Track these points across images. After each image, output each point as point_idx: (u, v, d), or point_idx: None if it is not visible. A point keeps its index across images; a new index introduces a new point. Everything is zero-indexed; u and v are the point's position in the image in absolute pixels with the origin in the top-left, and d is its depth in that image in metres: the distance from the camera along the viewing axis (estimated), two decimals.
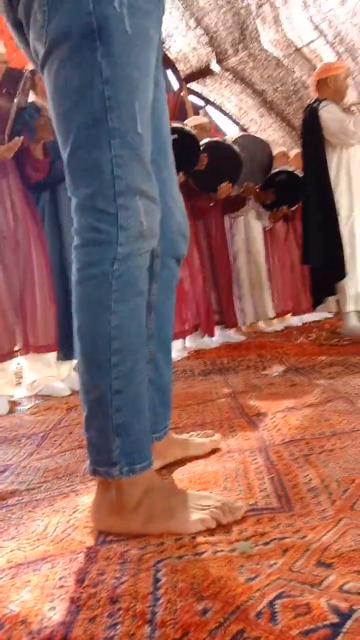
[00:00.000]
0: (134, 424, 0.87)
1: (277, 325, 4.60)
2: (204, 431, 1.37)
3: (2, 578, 0.78)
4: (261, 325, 4.55)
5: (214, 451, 1.27)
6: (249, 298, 4.24)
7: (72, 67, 0.78)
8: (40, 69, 0.86)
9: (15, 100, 2.20)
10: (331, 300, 3.35)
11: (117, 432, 0.85)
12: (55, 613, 0.66)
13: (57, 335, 2.55)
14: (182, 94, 6.44)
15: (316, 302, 3.43)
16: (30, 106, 2.46)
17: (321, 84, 3.29)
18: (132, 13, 0.78)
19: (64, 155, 0.86)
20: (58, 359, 2.62)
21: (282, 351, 3.02)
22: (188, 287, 3.54)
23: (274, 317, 4.50)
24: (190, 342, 3.68)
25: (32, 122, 2.41)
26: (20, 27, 0.85)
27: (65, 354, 2.64)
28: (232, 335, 4.06)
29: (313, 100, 3.33)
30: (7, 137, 2.27)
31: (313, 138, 3.22)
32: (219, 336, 3.90)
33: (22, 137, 2.32)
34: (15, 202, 2.45)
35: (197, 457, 1.23)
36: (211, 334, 3.77)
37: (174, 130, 3.19)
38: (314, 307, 3.52)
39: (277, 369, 2.43)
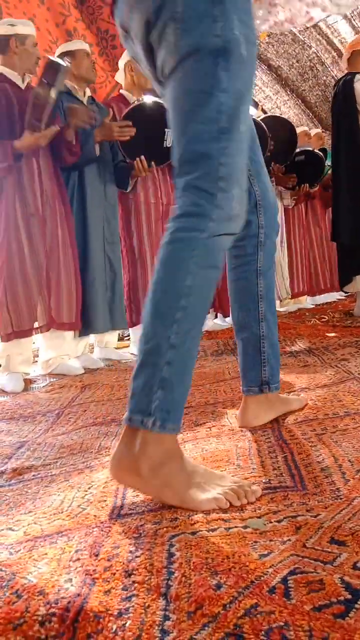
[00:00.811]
0: (177, 383, 0.92)
1: (291, 306, 4.58)
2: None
3: (19, 550, 0.79)
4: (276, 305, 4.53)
5: (231, 429, 1.28)
6: None
7: (196, 76, 0.96)
8: (166, 79, 1.02)
9: (54, 93, 2.22)
10: (359, 279, 3.30)
11: (161, 385, 0.91)
12: (71, 585, 0.67)
13: (79, 313, 2.60)
14: None
15: (344, 281, 3.38)
16: (64, 90, 2.50)
17: (355, 55, 3.22)
18: (247, 41, 0.97)
19: (179, 147, 0.99)
20: (76, 335, 2.66)
21: (295, 332, 3.01)
22: None
23: (291, 298, 4.48)
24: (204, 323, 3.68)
25: (64, 107, 2.48)
26: (150, 50, 1.02)
27: (81, 330, 2.70)
28: None
29: (345, 73, 3.25)
30: (44, 125, 2.29)
31: (347, 109, 3.15)
32: (231, 317, 3.90)
33: (57, 127, 2.35)
34: (45, 181, 2.50)
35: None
36: (226, 314, 3.76)
37: None
38: (341, 286, 3.46)
39: (290, 350, 2.42)
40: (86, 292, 2.73)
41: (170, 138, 2.89)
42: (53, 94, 2.23)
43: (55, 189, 2.55)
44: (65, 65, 2.26)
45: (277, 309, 4.42)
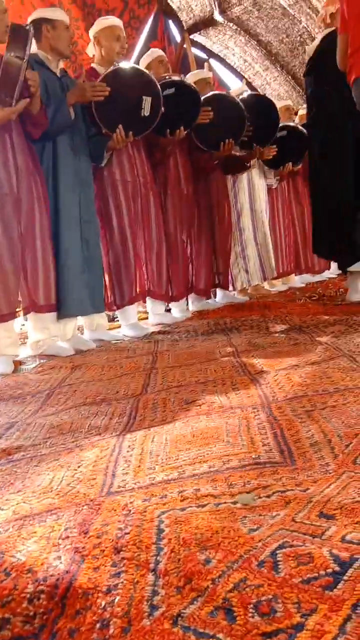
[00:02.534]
0: None
1: (281, 286, 4.58)
2: None
3: (8, 529, 0.79)
4: (265, 286, 4.52)
5: (215, 408, 1.28)
6: (253, 258, 4.19)
7: None
8: None
9: (24, 65, 2.13)
10: None
11: None
12: (60, 562, 0.67)
13: (55, 295, 2.55)
14: (184, 46, 6.21)
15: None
16: (32, 59, 2.38)
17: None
18: None
19: None
20: (58, 318, 2.62)
21: (285, 311, 3.01)
22: (189, 249, 3.51)
23: (278, 277, 4.47)
24: (194, 303, 3.67)
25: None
26: None
27: (59, 314, 2.61)
28: (236, 296, 4.05)
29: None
30: (15, 100, 2.21)
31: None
32: (223, 297, 3.89)
33: (28, 100, 2.26)
34: (18, 158, 2.41)
35: None
36: (208, 296, 3.76)
37: (172, 84, 3.08)
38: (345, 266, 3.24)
39: (280, 329, 2.42)
40: (61, 273, 2.61)
41: (148, 106, 2.74)
42: (24, 65, 2.12)
43: (30, 166, 2.45)
44: (30, 30, 2.15)
45: (266, 288, 4.45)
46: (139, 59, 4.46)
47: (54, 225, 2.62)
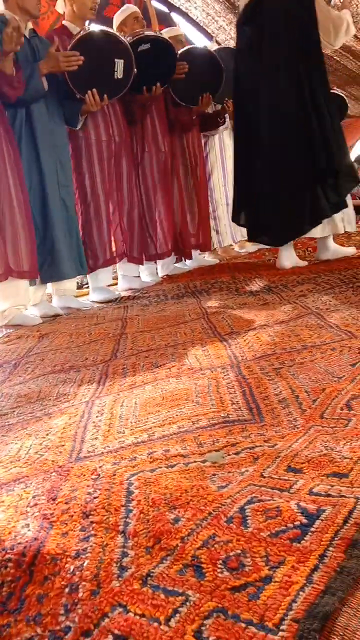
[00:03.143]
0: None
1: (250, 247, 4.56)
2: None
3: None
4: (235, 248, 4.50)
5: (185, 370, 1.27)
6: (224, 218, 4.15)
7: None
8: None
9: None
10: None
11: None
12: (28, 530, 0.66)
13: (36, 260, 2.51)
14: None
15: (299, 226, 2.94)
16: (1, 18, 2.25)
17: None
18: None
19: None
20: (33, 284, 2.59)
21: (255, 273, 3.00)
22: (165, 209, 3.44)
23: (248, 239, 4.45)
24: (163, 268, 3.63)
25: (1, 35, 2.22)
26: None
27: (44, 278, 2.63)
28: (206, 259, 4.02)
29: None
30: None
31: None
32: (193, 260, 3.86)
33: None
34: None
35: None
36: (189, 257, 3.72)
37: (147, 39, 2.98)
38: (300, 233, 2.98)
39: (250, 289, 2.42)
40: (47, 238, 2.63)
41: (120, 69, 2.72)
42: None
43: (0, 131, 2.38)
44: None
45: (236, 250, 4.43)
46: (99, 12, 4.27)
47: (38, 190, 2.59)
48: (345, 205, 2.94)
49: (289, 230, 2.89)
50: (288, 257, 2.98)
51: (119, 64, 2.72)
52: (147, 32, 3.10)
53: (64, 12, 2.96)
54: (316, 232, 2.94)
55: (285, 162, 2.76)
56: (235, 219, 3.17)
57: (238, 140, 3.07)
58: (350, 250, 3.13)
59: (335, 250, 3.09)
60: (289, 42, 2.70)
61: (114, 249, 3.08)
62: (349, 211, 3.13)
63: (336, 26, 2.76)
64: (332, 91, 4.68)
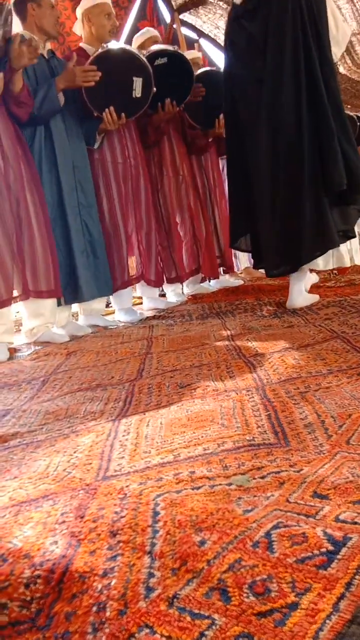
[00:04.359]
0: None
1: None
2: None
3: (5, 515, 0.79)
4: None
5: (210, 391, 1.28)
6: None
7: None
8: None
9: None
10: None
11: None
12: (57, 547, 0.68)
13: (58, 280, 2.55)
14: (174, 26, 6.11)
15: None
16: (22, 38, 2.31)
17: None
18: None
19: None
20: (59, 304, 2.63)
21: (279, 294, 3.01)
22: (188, 229, 3.49)
23: None
24: (189, 287, 3.66)
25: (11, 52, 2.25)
26: None
27: (67, 299, 2.66)
28: (230, 280, 4.04)
29: None
30: None
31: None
32: (217, 281, 3.88)
33: (1, 74, 2.20)
34: (4, 142, 2.37)
35: None
36: (215, 277, 3.75)
37: (164, 53, 2.96)
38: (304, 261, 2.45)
39: (274, 312, 2.42)
40: (69, 258, 2.67)
41: (139, 87, 2.70)
42: None
43: (17, 151, 2.41)
44: (6, 6, 2.10)
45: (260, 271, 4.43)
46: (128, 39, 4.38)
47: (57, 211, 2.62)
48: (354, 235, 2.58)
49: (289, 259, 2.42)
50: (299, 293, 2.48)
51: (138, 82, 2.71)
52: (165, 47, 3.11)
53: (81, 33, 3.00)
54: (319, 263, 2.52)
55: (292, 177, 2.32)
56: (234, 244, 2.78)
57: (232, 155, 2.65)
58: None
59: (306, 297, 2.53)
60: (298, 37, 2.29)
61: (132, 271, 3.10)
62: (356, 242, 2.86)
63: (345, 35, 2.45)
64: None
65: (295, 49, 2.29)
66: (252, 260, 4.08)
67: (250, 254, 2.82)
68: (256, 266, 2.81)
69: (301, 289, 2.48)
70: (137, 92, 2.73)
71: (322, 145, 2.27)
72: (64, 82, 2.55)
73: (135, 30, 4.94)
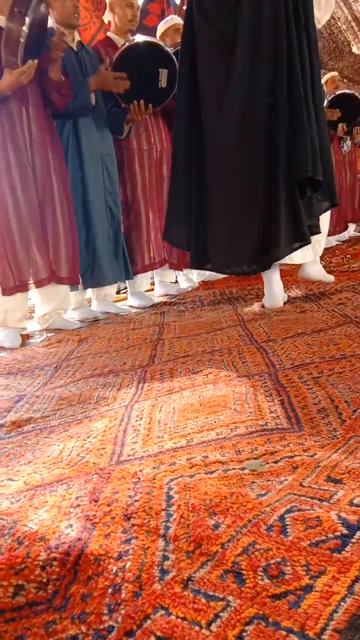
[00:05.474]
0: None
1: None
2: None
3: (20, 499, 0.80)
4: None
5: (222, 377, 1.28)
6: None
7: None
8: None
9: (27, 20, 2.07)
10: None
11: None
12: (72, 530, 0.68)
13: (78, 267, 2.58)
14: (184, 7, 6.01)
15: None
16: (50, 31, 2.37)
17: None
18: None
19: None
20: (75, 289, 2.66)
21: (292, 279, 2.98)
22: None
23: None
24: (200, 273, 3.65)
25: (49, 44, 2.33)
26: None
27: (86, 283, 2.70)
28: None
29: None
30: (20, 60, 2.15)
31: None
32: None
33: (36, 61, 2.21)
34: (34, 130, 2.41)
35: None
36: None
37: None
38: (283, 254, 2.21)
39: (286, 296, 2.40)
40: (90, 244, 2.70)
41: (165, 78, 2.78)
42: (26, 22, 2.06)
43: (46, 138, 2.45)
44: None
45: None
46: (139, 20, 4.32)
47: (81, 197, 2.67)
48: (319, 231, 2.36)
49: (261, 257, 2.20)
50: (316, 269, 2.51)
51: (163, 73, 2.78)
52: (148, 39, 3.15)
53: (109, 22, 3.03)
54: (296, 257, 2.36)
55: (263, 170, 2.11)
56: (168, 236, 2.45)
57: (179, 144, 2.33)
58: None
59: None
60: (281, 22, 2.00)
61: (152, 255, 3.11)
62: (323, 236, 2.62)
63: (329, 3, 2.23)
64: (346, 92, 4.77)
65: (277, 17, 2.00)
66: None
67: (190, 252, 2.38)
68: (195, 265, 2.44)
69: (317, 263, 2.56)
70: (163, 82, 2.81)
71: (296, 131, 2.03)
72: (96, 84, 2.63)
73: (145, 13, 4.88)
